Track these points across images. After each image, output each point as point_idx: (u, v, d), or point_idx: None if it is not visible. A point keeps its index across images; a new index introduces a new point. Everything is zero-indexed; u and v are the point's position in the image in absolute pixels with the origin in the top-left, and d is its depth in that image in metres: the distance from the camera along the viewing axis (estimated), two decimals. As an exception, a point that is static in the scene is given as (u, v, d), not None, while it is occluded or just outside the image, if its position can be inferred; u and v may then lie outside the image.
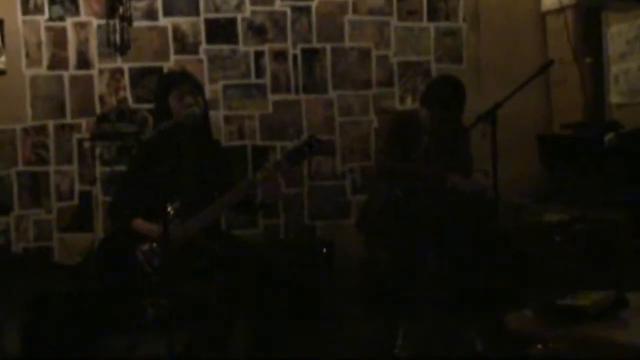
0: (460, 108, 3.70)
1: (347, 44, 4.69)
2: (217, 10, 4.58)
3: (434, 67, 4.74)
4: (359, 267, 4.15)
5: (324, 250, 4.30)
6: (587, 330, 2.23)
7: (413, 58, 4.73)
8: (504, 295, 3.24)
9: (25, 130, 4.45)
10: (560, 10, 4.60)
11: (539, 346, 2.37)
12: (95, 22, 4.46)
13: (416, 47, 4.73)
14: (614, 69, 4.36)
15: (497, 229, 3.48)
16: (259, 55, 4.62)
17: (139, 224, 3.33)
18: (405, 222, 3.61)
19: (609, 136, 3.37)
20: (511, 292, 3.31)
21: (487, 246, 3.40)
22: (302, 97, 4.66)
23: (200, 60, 4.57)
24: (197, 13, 4.56)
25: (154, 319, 3.11)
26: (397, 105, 4.71)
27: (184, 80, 3.45)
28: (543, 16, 4.81)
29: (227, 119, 4.61)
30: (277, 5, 4.63)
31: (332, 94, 4.69)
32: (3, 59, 4.42)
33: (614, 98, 4.38)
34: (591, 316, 2.29)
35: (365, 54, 4.70)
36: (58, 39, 4.47)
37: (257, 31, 4.62)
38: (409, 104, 4.68)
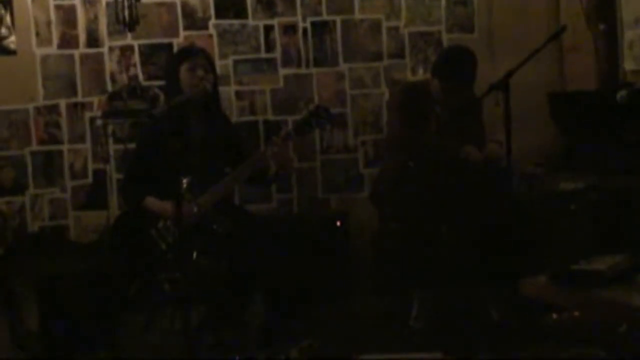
0: (472, 78, 3.68)
1: (357, 15, 4.65)
2: (226, -16, 4.55)
3: (446, 37, 4.68)
4: (373, 239, 4.13)
5: (338, 223, 4.30)
6: (603, 294, 2.21)
7: (424, 28, 4.68)
8: (519, 265, 3.22)
9: (38, 110, 4.46)
10: (573, -24, 4.53)
11: (554, 315, 2.37)
12: (104, -1, 4.45)
13: (427, 18, 4.68)
14: (629, 35, 4.30)
15: (512, 198, 3.46)
16: (268, 29, 4.59)
17: (151, 202, 3.36)
18: (419, 194, 3.60)
19: (621, 93, 3.30)
20: (525, 261, 3.30)
21: (501, 216, 3.39)
22: (313, 70, 4.63)
23: (210, 36, 4.55)
24: (206, -12, 4.53)
25: (169, 294, 3.14)
26: (409, 77, 4.66)
27: (194, 55, 3.46)
28: (555, -18, 4.75)
29: (238, 95, 4.59)
30: (286, -22, 4.59)
31: (343, 66, 4.65)
32: (13, 38, 4.41)
33: (629, 64, 4.32)
34: (606, 280, 2.26)
35: (375, 25, 4.66)
36: (67, 17, 4.45)
37: (267, 5, 4.58)
38: (421, 75, 4.63)
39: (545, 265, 2.53)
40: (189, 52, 3.52)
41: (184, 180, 3.29)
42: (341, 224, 4.31)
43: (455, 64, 3.68)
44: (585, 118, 3.83)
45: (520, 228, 3.39)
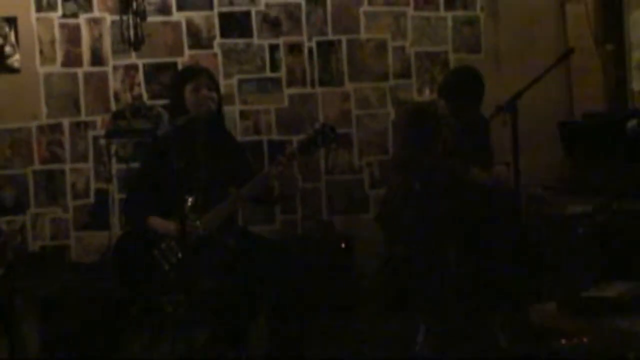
0: (479, 99, 3.69)
1: (363, 35, 4.68)
2: (231, 3, 4.58)
3: (452, 58, 4.71)
4: (378, 262, 4.13)
5: (343, 245, 4.30)
6: (612, 322, 2.21)
7: (430, 48, 4.71)
8: (527, 290, 3.22)
9: (41, 129, 4.48)
10: (581, -4, 4.56)
11: (563, 341, 2.36)
12: (109, 18, 4.47)
13: (433, 38, 4.71)
14: (636, 56, 4.32)
15: (519, 221, 3.46)
16: (274, 48, 4.62)
17: (155, 222, 3.35)
18: (425, 216, 3.60)
19: (631, 123, 3.33)
20: (534, 286, 3.29)
21: (509, 240, 3.38)
22: (318, 90, 4.66)
23: (215, 55, 4.58)
24: (211, 7, 4.56)
25: (172, 316, 3.13)
26: (415, 97, 4.68)
27: (199, 74, 3.46)
28: (562, 3, 4.77)
29: (242, 114, 4.61)
30: (292, -2, 4.62)
31: (349, 86, 4.68)
32: (17, 57, 4.44)
33: (637, 85, 4.34)
34: (616, 307, 2.26)
35: (381, 45, 4.69)
36: (72, 36, 4.49)
37: (272, 24, 4.62)
38: (427, 95, 4.65)
39: (553, 289, 2.52)
40: (193, 72, 3.53)
41: (188, 200, 3.29)
42: (346, 246, 4.31)
43: (462, 85, 3.70)
44: (595, 144, 3.84)
45: (528, 251, 3.38)
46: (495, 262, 3.48)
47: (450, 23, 4.71)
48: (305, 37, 4.64)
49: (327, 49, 4.66)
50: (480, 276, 3.57)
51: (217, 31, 4.57)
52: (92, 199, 4.51)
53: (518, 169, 3.14)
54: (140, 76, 4.52)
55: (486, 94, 3.69)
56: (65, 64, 4.49)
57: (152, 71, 4.52)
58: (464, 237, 3.56)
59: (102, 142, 4.45)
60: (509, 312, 3.46)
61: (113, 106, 4.49)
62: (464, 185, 3.61)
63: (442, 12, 4.71)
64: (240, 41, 4.60)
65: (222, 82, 4.48)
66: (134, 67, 4.52)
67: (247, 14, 4.59)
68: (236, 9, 4.58)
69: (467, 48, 4.72)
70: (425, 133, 3.76)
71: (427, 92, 4.68)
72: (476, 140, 3.81)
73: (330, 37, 4.66)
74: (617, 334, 2.18)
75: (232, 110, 4.52)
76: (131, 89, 4.52)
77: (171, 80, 4.21)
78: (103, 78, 4.51)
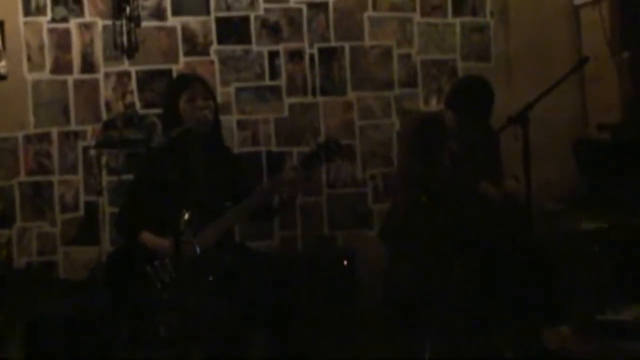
0: (488, 109, 3.69)
1: (367, 42, 4.69)
2: (228, 8, 4.60)
3: (460, 66, 4.73)
4: (381, 280, 4.12)
5: (345, 262, 4.30)
6: (629, 346, 2.20)
7: (438, 56, 4.72)
8: (538, 309, 3.21)
9: (28, 138, 4.48)
10: (595, 2, 4.57)
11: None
12: (100, 23, 4.49)
13: (441, 45, 4.72)
14: (654, 64, 4.33)
15: (530, 238, 3.46)
16: (273, 55, 4.63)
17: (148, 238, 3.35)
18: (432, 233, 3.60)
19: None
20: (545, 304, 3.29)
21: (519, 257, 3.38)
22: (320, 99, 4.67)
23: (212, 62, 4.59)
24: (208, 12, 4.58)
25: (165, 337, 3.13)
26: (422, 107, 4.70)
27: (194, 83, 3.47)
28: (576, 9, 4.79)
29: (240, 124, 4.62)
30: (293, 2, 4.64)
31: (352, 95, 4.69)
32: (3, 63, 4.45)
33: (655, 95, 4.35)
34: (634, 332, 2.26)
35: (386, 52, 4.70)
36: (61, 41, 4.50)
37: (272, 30, 4.63)
38: (434, 105, 4.67)
39: (567, 311, 2.52)
40: (187, 81, 3.53)
41: (184, 215, 3.29)
42: (348, 263, 4.30)
43: (471, 95, 3.70)
44: (612, 164, 3.85)
45: (540, 269, 3.38)
46: (504, 280, 3.48)
47: (458, 29, 4.73)
48: (306, 44, 4.65)
49: (329, 56, 4.67)
50: (488, 296, 3.56)
51: (214, 37, 4.59)
52: (81, 212, 4.51)
53: (529, 183, 3.15)
54: (133, 84, 4.53)
55: (496, 104, 3.69)
56: (54, 70, 4.51)
57: (146, 79, 4.53)
58: (472, 254, 3.55)
59: (93, 152, 4.45)
60: (519, 334, 3.46)
61: (104, 115, 4.50)
62: (472, 200, 3.61)
63: (450, 18, 4.73)
64: (238, 47, 4.61)
65: (218, 90, 4.50)
66: (127, 75, 4.53)
67: (246, 19, 4.61)
68: (234, 14, 4.60)
69: (476, 56, 4.74)
70: (431, 145, 3.77)
71: (434, 102, 4.69)
72: (485, 153, 3.82)
73: (333, 43, 4.67)
74: (633, 358, 2.18)
75: (229, 120, 4.53)
76: (123, 97, 4.53)
77: (164, 90, 4.23)
78: (94, 86, 4.52)
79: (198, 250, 3.21)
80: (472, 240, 3.55)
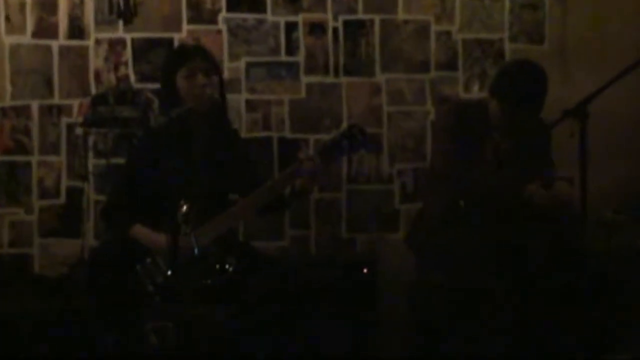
0: (539, 100, 3.69)
1: (401, 15, 4.70)
2: (241, -30, 4.62)
3: (508, 48, 4.72)
4: (407, 293, 4.14)
5: (365, 270, 4.31)
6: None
7: (482, 35, 4.72)
8: (594, 338, 3.22)
9: (3, 111, 4.52)
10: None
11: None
12: (93, -20, 4.53)
13: (487, 22, 4.71)
14: None
15: (584, 253, 3.46)
16: (290, 27, 4.65)
17: (140, 231, 3.39)
18: (468, 240, 3.61)
19: None
20: (603, 333, 3.30)
21: (571, 275, 3.39)
22: (343, 80, 4.68)
23: (219, 32, 4.61)
24: (217, -27, 4.61)
25: (157, 347, 3.15)
26: (461, 94, 4.70)
27: (195, 56, 3.50)
28: (646, -13, 4.78)
29: (249, 105, 4.64)
30: (315, -34, 4.66)
31: (380, 77, 4.70)
32: (-22, 23, 4.49)
33: None
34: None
35: (422, 29, 4.70)
36: (46, 0, 4.52)
37: (290, -3, 4.66)
38: (476, 92, 4.67)
39: (627, 339, 2.52)
40: (186, 53, 3.56)
41: (181, 208, 3.31)
42: (368, 271, 4.31)
43: (520, 83, 3.70)
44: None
45: (596, 290, 3.38)
46: (551, 301, 3.48)
47: (507, 5, 4.72)
48: (329, 15, 4.66)
49: (356, 30, 4.68)
50: (532, 318, 3.57)
51: (223, 3, 4.61)
52: (62, 199, 4.54)
53: (585, 187, 3.15)
54: (128, 54, 4.56)
55: (548, 93, 3.69)
56: (36, 34, 4.54)
57: (143, 48, 4.55)
58: (515, 268, 3.56)
59: (78, 131, 4.48)
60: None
61: (93, 89, 4.53)
62: (517, 205, 3.62)
63: (499, -8, 4.73)
64: (251, 17, 4.63)
65: (226, 65, 4.52)
66: (121, 43, 4.55)
67: (260, -16, 4.63)
68: (247, -24, 4.63)
69: (527, 37, 4.73)
70: (472, 139, 3.77)
71: (475, 88, 4.69)
72: (534, 150, 3.82)
73: (361, 16, 4.68)
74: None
75: (237, 100, 4.55)
76: (116, 68, 4.55)
77: (162, 62, 4.24)
78: (82, 54, 4.55)
79: (196, 250, 3.23)
80: (515, 254, 3.55)
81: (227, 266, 3.35)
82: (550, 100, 3.65)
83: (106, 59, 4.55)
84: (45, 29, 4.54)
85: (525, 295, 3.57)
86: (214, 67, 3.53)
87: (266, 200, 3.36)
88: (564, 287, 3.43)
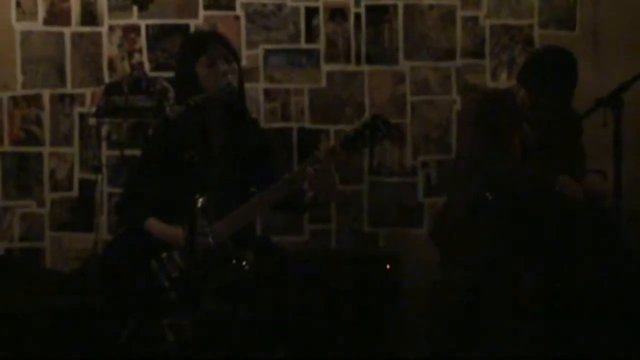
0: (570, 88, 3.69)
1: (426, 0, 4.69)
2: (259, -47, 4.63)
3: (538, 34, 4.70)
4: (431, 289, 4.14)
5: (387, 266, 4.31)
6: None
7: (511, 21, 4.70)
8: (628, 344, 3.21)
9: (14, 101, 4.54)
10: None
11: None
12: (106, -36, 4.55)
13: (515, 8, 4.70)
14: None
15: (618, 249, 3.45)
16: (311, 12, 4.65)
17: (156, 225, 3.39)
18: (496, 234, 3.61)
19: None
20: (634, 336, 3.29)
21: (604, 273, 3.38)
22: (365, 68, 4.68)
23: (237, 18, 4.61)
24: (235, -43, 4.61)
25: (173, 345, 3.16)
26: (488, 82, 4.69)
27: (214, 43, 3.50)
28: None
29: (267, 94, 4.64)
30: (337, -51, 4.66)
31: (404, 65, 4.69)
32: (-12, 10, 4.52)
33: None
34: None
35: (448, 14, 4.70)
36: (58, -15, 4.56)
37: (311, -18, 4.65)
38: (504, 81, 4.65)
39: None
40: (206, 40, 3.55)
41: (198, 201, 3.32)
42: (391, 267, 4.31)
43: (550, 71, 3.69)
44: None
45: (632, 290, 3.37)
46: (583, 300, 3.47)
47: (537, -11, 4.71)
48: (351, 0, 4.65)
49: (379, 16, 4.68)
50: (564, 317, 3.56)
51: (241, -13, 4.62)
52: (75, 192, 4.57)
53: (619, 181, 3.13)
54: (142, 41, 4.57)
55: (580, 82, 3.68)
56: (48, 20, 4.56)
57: (158, 35, 4.57)
58: (546, 264, 3.55)
59: (91, 121, 4.50)
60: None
61: (106, 77, 4.55)
62: (547, 198, 3.61)
63: (528, -24, 4.72)
64: (270, 2, 4.63)
65: (243, 52, 4.52)
66: (135, 29, 4.57)
67: (280, -32, 4.63)
68: (266, -40, 4.63)
69: (557, 22, 4.71)
70: (499, 129, 3.76)
71: (503, 76, 4.68)
72: (565, 141, 3.82)
73: (384, 1, 4.67)
74: None
75: (255, 89, 4.56)
76: (130, 56, 4.57)
77: (179, 49, 4.25)
78: (95, 41, 4.57)
79: (212, 242, 3.25)
80: (545, 250, 3.54)
81: (244, 262, 3.35)
82: (582, 89, 3.64)
83: (120, 46, 4.57)
84: (57, 15, 4.56)
85: (557, 294, 3.56)
86: (233, 53, 3.54)
87: (283, 195, 3.36)
88: (599, 284, 3.41)
